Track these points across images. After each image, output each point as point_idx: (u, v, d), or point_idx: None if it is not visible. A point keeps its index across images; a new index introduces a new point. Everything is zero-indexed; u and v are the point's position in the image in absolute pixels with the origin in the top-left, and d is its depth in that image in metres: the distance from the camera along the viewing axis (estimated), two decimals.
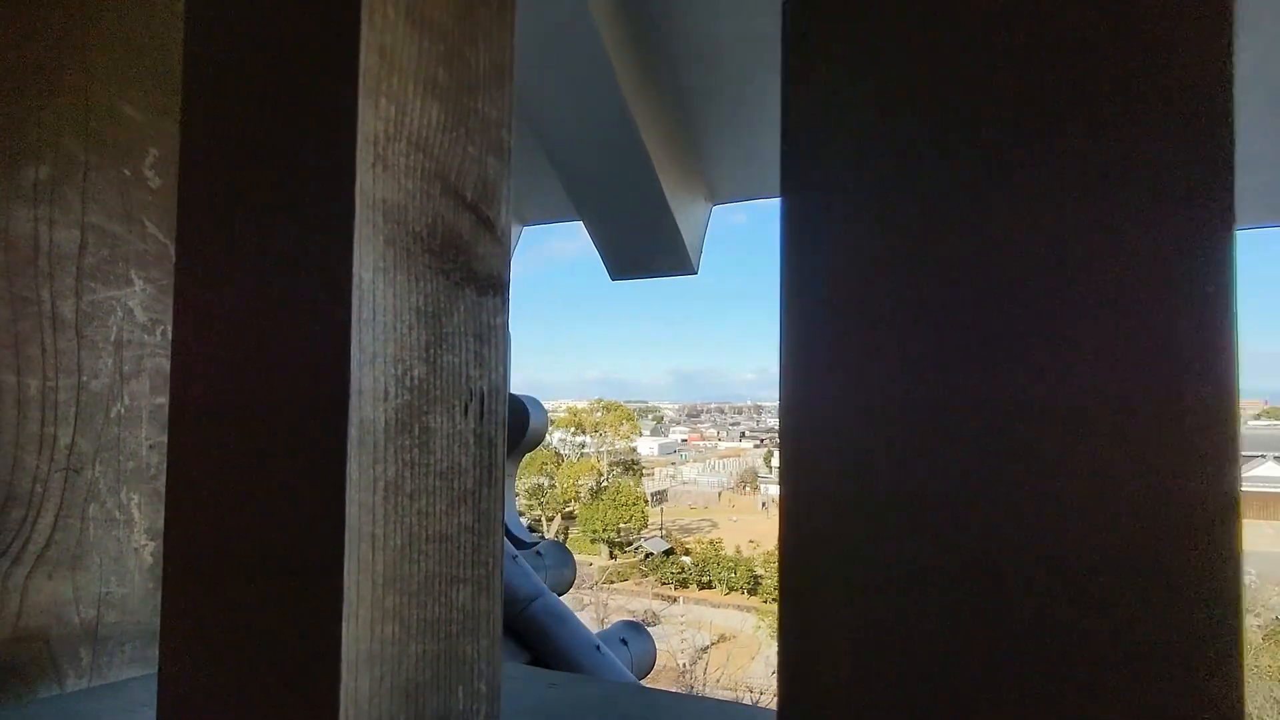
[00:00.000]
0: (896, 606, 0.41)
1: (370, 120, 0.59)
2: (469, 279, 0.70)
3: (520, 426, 4.44)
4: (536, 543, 4.54)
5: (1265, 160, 1.80)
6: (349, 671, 0.58)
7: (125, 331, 1.08)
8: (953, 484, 0.40)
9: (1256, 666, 21.94)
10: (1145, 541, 0.35)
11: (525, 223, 3.06)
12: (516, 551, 4.27)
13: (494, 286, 0.73)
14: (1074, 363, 0.37)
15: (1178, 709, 0.35)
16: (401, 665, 0.63)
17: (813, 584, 0.43)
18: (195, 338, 0.65)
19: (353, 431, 0.58)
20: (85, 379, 1.04)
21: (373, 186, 0.59)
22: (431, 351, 0.66)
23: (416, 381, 0.64)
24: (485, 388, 0.72)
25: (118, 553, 1.07)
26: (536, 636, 3.96)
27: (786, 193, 0.44)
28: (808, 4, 0.46)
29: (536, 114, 2.21)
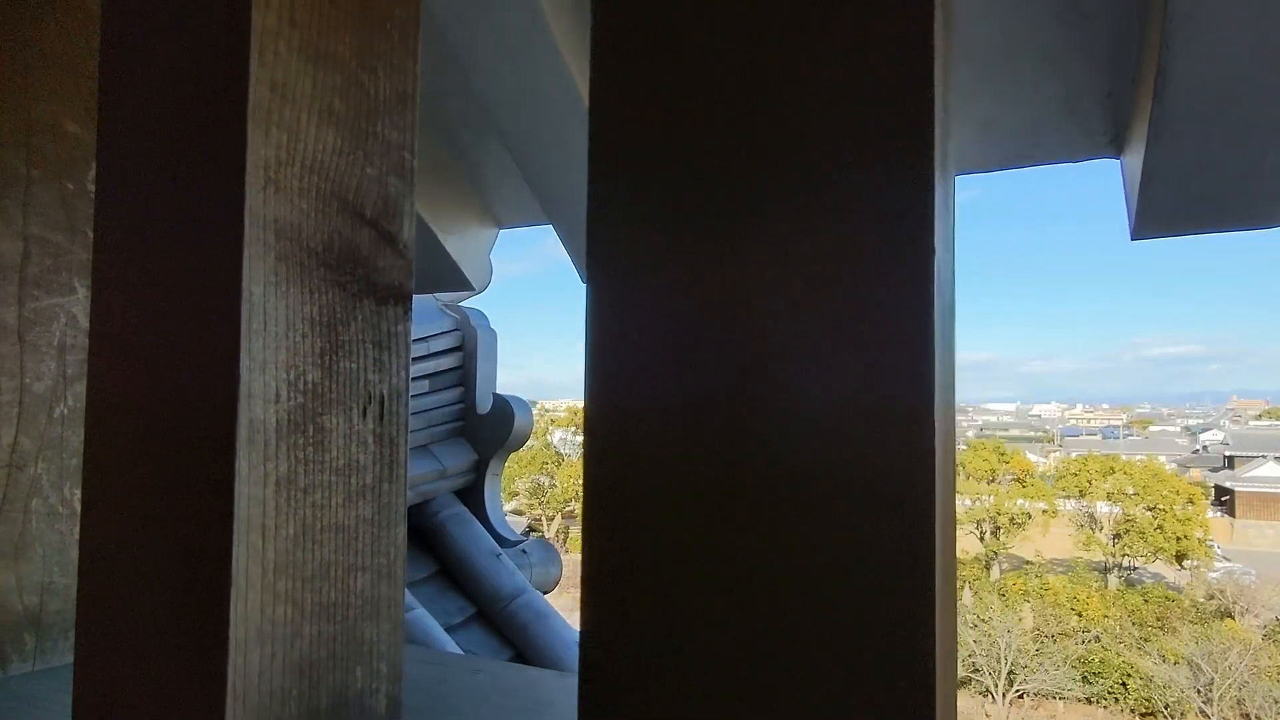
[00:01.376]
0: (681, 588, 0.47)
1: (260, 148, 0.65)
2: (368, 290, 0.76)
3: (505, 426, 4.51)
4: (521, 541, 4.60)
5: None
6: (237, 649, 0.64)
7: (69, 336, 1.14)
8: (734, 478, 0.46)
9: (1256, 666, 21.96)
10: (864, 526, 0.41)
11: (501, 225, 3.12)
12: (500, 550, 4.33)
13: (395, 297, 0.79)
14: (815, 372, 0.43)
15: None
16: (295, 645, 0.69)
17: (613, 566, 0.48)
18: (109, 343, 0.71)
19: (242, 431, 0.64)
20: (28, 381, 1.10)
21: (263, 207, 0.65)
22: (327, 358, 0.71)
23: (310, 385, 0.70)
24: (385, 391, 0.78)
25: (60, 545, 1.13)
26: (518, 633, 4.03)
27: (592, 219, 0.49)
28: (607, 83, 0.51)
29: (501, 122, 2.27)
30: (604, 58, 0.50)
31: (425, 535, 4.08)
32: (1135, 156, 1.74)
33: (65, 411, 1.14)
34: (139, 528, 0.68)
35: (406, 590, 3.73)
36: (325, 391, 0.71)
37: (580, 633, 0.49)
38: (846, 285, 0.42)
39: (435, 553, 4.08)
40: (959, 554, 30.77)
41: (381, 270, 0.77)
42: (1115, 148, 1.87)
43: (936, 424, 0.41)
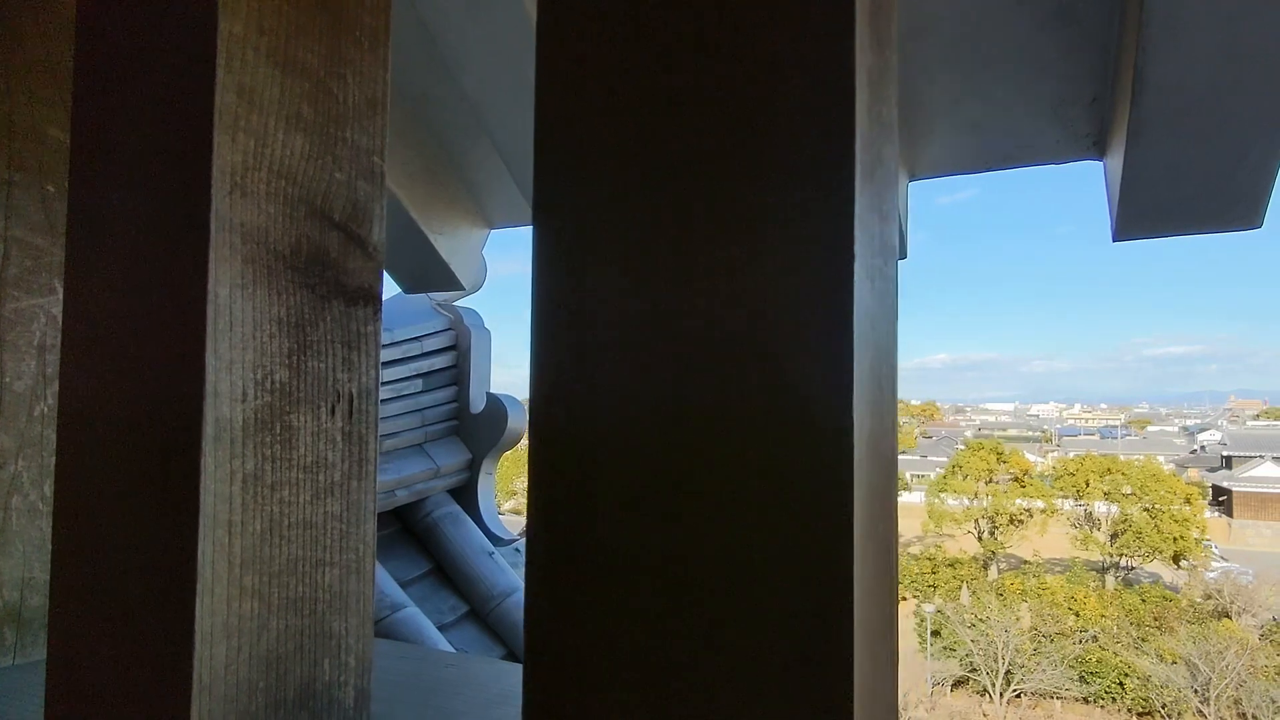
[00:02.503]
0: (621, 579, 0.48)
1: (227, 153, 0.67)
2: (336, 292, 0.77)
3: (499, 425, 4.52)
4: (515, 539, 4.61)
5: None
6: (204, 642, 0.65)
7: (49, 336, 1.16)
8: (670, 473, 0.48)
9: (1253, 666, 21.99)
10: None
11: (493, 226, 3.13)
12: (493, 548, 4.35)
13: (365, 298, 0.81)
14: (748, 371, 0.45)
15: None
16: (262, 638, 0.70)
17: (557, 562, 0.50)
18: (80, 343, 0.72)
19: (208, 429, 0.65)
20: (8, 380, 1.12)
21: (230, 211, 0.67)
22: (295, 358, 0.73)
23: (278, 384, 0.72)
24: (355, 390, 0.79)
25: (40, 541, 1.15)
26: (510, 631, 4.04)
27: (538, 222, 0.51)
28: (552, 115, 0.53)
29: (491, 123, 2.29)
30: (547, 82, 0.52)
31: (418, 534, 4.10)
32: (1116, 159, 1.76)
33: (45, 410, 1.16)
34: (109, 524, 0.70)
35: (400, 589, 3.74)
36: (293, 390, 0.73)
37: (524, 621, 0.51)
38: (764, 294, 0.43)
39: (428, 551, 4.10)
40: (957, 554, 30.77)
41: (351, 272, 0.79)
42: (1099, 150, 1.89)
43: (857, 430, 0.42)
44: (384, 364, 4.52)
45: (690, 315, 0.45)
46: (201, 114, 0.66)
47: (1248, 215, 1.84)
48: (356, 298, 0.79)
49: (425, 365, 4.22)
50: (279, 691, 0.72)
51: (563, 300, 0.50)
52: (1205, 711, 21.75)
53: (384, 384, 4.51)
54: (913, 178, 2.08)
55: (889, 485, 0.54)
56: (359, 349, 0.80)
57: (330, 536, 0.77)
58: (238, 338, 0.68)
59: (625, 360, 0.48)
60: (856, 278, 0.43)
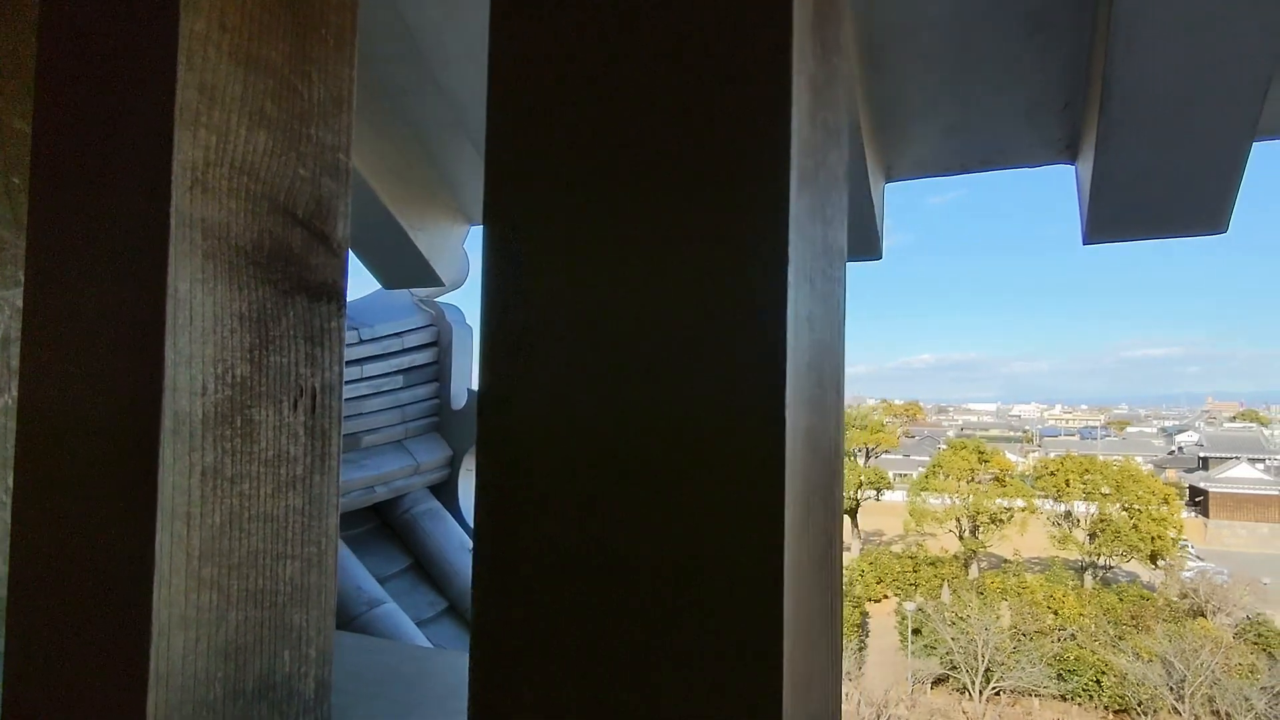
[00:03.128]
0: (563, 572, 0.50)
1: (188, 149, 0.67)
2: (300, 288, 0.78)
3: None
4: None
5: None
6: (160, 634, 0.66)
7: (13, 329, 1.15)
8: (609, 469, 0.49)
9: (1227, 664, 22.33)
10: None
11: (473, 222, 3.13)
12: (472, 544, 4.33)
13: (329, 294, 0.81)
14: (690, 380, 0.46)
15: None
16: (220, 629, 0.71)
17: (505, 561, 0.51)
18: (41, 336, 0.73)
19: (166, 422, 0.66)
20: None
21: (190, 207, 0.67)
22: (256, 353, 0.74)
23: (239, 379, 0.72)
24: (318, 385, 0.80)
25: (4, 534, 1.14)
26: None
27: (487, 222, 0.52)
28: (504, 124, 0.54)
29: (470, 119, 2.29)
30: (498, 85, 0.53)
31: (398, 530, 4.09)
32: (1087, 164, 1.79)
33: (9, 402, 1.15)
34: (68, 516, 0.70)
35: (379, 585, 3.74)
36: (254, 385, 0.74)
37: (472, 613, 0.52)
38: (698, 294, 0.45)
39: (408, 547, 4.09)
40: (938, 553, 31.00)
41: (314, 268, 0.80)
42: (1071, 155, 1.92)
43: (790, 426, 0.44)
44: (364, 360, 4.51)
45: (626, 316, 0.47)
46: (162, 111, 0.66)
47: (1213, 219, 1.88)
48: (320, 294, 0.80)
49: (406, 361, 4.21)
50: (238, 682, 0.73)
51: (509, 302, 0.51)
52: (1180, 709, 22.07)
53: (364, 380, 4.51)
54: (890, 179, 2.11)
55: (830, 480, 0.55)
56: (323, 344, 0.80)
57: (292, 530, 0.77)
58: (197, 332, 0.68)
59: (565, 361, 0.49)
60: (791, 279, 0.44)
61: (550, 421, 0.49)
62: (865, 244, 2.09)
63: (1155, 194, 1.80)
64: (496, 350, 0.51)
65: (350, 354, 4.50)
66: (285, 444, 0.77)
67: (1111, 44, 1.44)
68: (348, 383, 4.38)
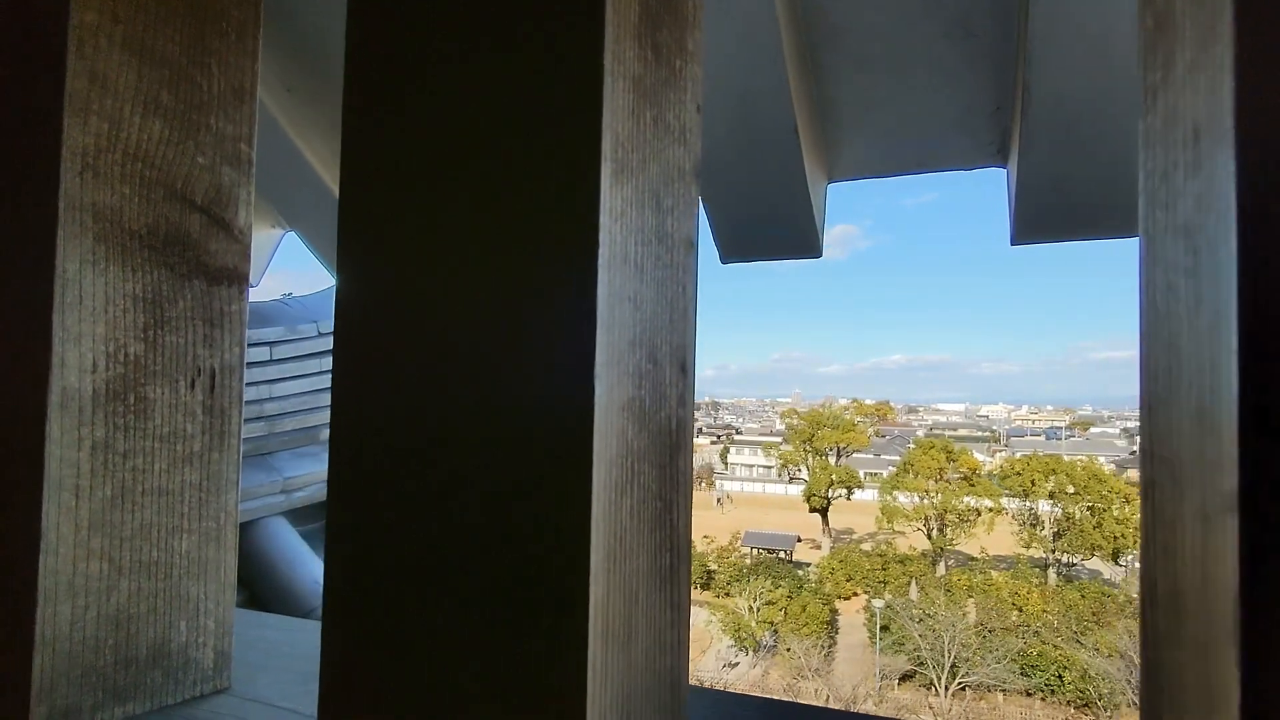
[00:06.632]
0: (396, 563, 0.54)
1: (78, 135, 0.70)
2: (197, 271, 0.81)
3: None
4: None
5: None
6: (46, 600, 0.69)
7: None
8: (429, 469, 0.53)
9: None
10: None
11: None
12: None
13: (230, 278, 0.84)
14: (526, 377, 0.50)
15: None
16: (111, 598, 0.74)
17: (357, 513, 0.55)
18: None
19: (54, 397, 0.69)
20: None
21: (80, 191, 0.70)
22: (151, 332, 0.77)
23: (131, 357, 0.75)
24: (217, 365, 0.83)
25: None
26: None
27: (340, 228, 0.56)
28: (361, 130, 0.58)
29: None
30: (349, 122, 0.57)
31: None
32: (1013, 167, 1.86)
33: None
34: None
35: None
36: (148, 363, 0.76)
37: (324, 594, 0.56)
38: (517, 278, 0.49)
39: None
40: (907, 550, 31.39)
41: (214, 253, 0.82)
42: (1002, 158, 2.00)
43: (598, 399, 0.48)
44: (323, 353, 4.49)
45: (450, 305, 0.51)
46: (53, 98, 0.69)
47: (1130, 223, 1.96)
48: (220, 277, 0.83)
49: None
50: (129, 650, 0.76)
51: (354, 307, 0.55)
52: (1139, 704, 22.54)
53: (324, 373, 4.49)
54: (831, 180, 2.16)
55: (667, 451, 0.59)
56: (222, 326, 0.83)
57: (188, 504, 0.80)
58: (87, 311, 0.71)
59: (400, 361, 0.53)
60: (604, 261, 0.49)
61: (379, 417, 0.53)
62: (804, 242, 2.14)
63: (1075, 197, 1.87)
64: (344, 350, 0.55)
65: (309, 348, 4.49)
66: (181, 421, 0.79)
67: (1029, 49, 1.50)
68: (305, 377, 4.36)
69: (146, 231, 0.76)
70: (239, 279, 0.85)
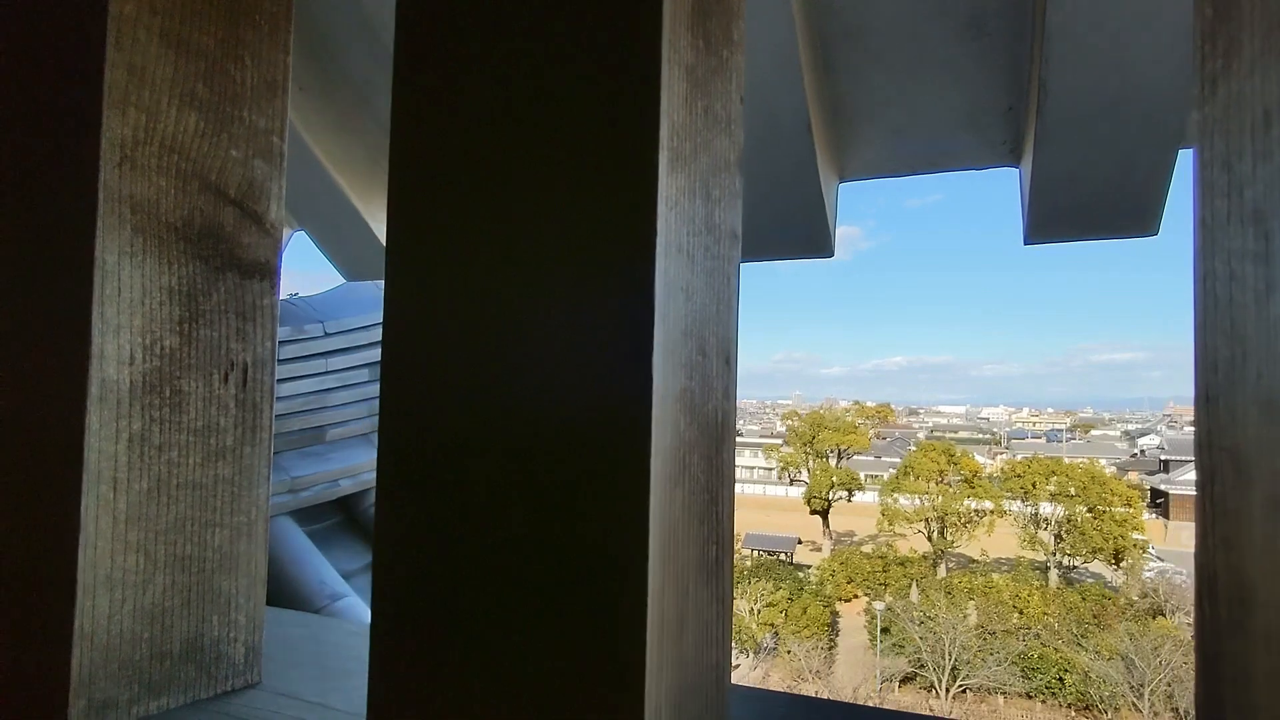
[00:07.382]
0: (456, 563, 0.54)
1: (117, 127, 0.70)
2: (231, 265, 0.81)
3: None
4: None
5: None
6: (85, 593, 0.68)
7: None
8: (489, 472, 0.53)
9: (1187, 662, 22.86)
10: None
11: None
12: None
13: (261, 272, 0.84)
14: (535, 362, 0.50)
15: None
16: (147, 592, 0.74)
17: (409, 512, 0.55)
18: None
19: (93, 389, 0.68)
20: None
21: (119, 183, 0.70)
22: (186, 326, 0.76)
23: (168, 350, 0.75)
24: (249, 359, 0.83)
25: None
26: None
27: (389, 230, 0.56)
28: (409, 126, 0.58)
29: None
30: (400, 121, 0.57)
31: (363, 524, 4.09)
32: (1027, 166, 1.86)
33: None
34: None
35: (343, 579, 3.72)
36: (184, 356, 0.76)
37: (373, 589, 0.56)
38: (576, 300, 0.49)
39: (370, 541, 4.08)
40: (908, 552, 31.37)
41: (246, 247, 0.82)
42: (1015, 157, 1.99)
43: (654, 432, 0.48)
44: (330, 353, 4.49)
45: (505, 298, 0.51)
46: (91, 90, 0.69)
47: (1143, 222, 1.95)
48: (252, 271, 0.83)
49: (372, 355, 4.21)
50: (164, 644, 0.75)
51: (407, 305, 0.55)
52: (1140, 706, 22.56)
53: (330, 373, 4.48)
54: (842, 179, 2.16)
55: (714, 442, 0.59)
56: (254, 320, 0.83)
57: (220, 498, 0.80)
58: (125, 303, 0.71)
59: (454, 357, 0.53)
60: (661, 250, 0.48)
61: (440, 419, 0.53)
62: (816, 242, 2.14)
63: (1088, 196, 1.87)
64: (395, 352, 0.55)
65: (316, 347, 4.48)
66: (215, 415, 0.79)
67: (1046, 48, 1.50)
68: (311, 377, 4.36)
69: (182, 224, 0.76)
70: (270, 273, 0.85)
